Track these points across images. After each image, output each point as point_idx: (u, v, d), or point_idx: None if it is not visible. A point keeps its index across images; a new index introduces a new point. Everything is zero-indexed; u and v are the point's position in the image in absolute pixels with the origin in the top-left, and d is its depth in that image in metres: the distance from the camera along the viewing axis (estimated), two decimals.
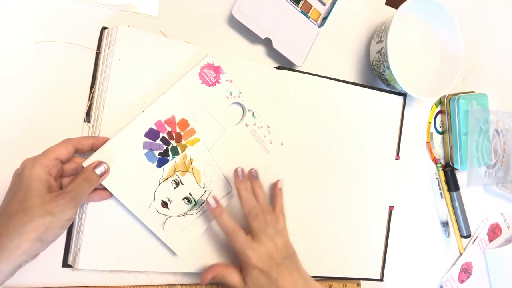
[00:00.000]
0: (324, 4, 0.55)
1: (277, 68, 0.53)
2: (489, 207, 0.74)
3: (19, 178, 0.36)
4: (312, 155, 0.55)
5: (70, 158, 0.40)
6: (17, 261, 0.34)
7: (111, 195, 0.42)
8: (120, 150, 0.42)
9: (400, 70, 0.54)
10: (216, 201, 0.45)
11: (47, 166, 0.36)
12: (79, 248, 0.42)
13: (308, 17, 0.54)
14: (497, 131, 0.69)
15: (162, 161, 0.45)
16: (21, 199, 0.35)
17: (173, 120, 0.45)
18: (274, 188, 0.51)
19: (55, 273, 0.43)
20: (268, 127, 0.51)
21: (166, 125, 0.45)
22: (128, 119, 0.44)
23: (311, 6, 0.54)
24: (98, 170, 0.40)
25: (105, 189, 0.41)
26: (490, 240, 0.74)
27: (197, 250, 0.48)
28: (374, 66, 0.58)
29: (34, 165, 0.36)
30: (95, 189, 0.41)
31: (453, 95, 0.66)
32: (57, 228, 0.35)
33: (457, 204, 0.67)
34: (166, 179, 0.45)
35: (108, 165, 0.41)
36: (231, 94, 0.48)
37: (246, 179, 0.47)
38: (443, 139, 0.68)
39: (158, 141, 0.44)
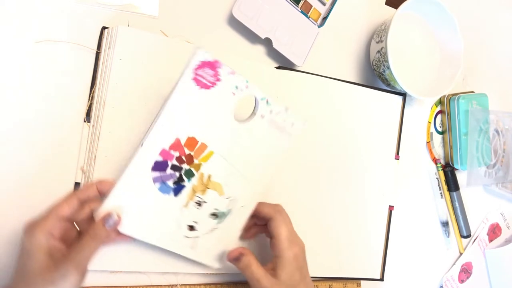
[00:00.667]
0: (324, 4, 0.55)
1: (277, 68, 0.53)
2: (489, 207, 0.74)
3: (21, 244, 0.35)
4: (312, 155, 0.55)
5: (75, 213, 0.38)
6: None
7: (124, 236, 0.40)
8: (130, 192, 0.39)
9: (400, 70, 0.54)
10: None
11: (49, 229, 0.35)
12: None
13: (308, 17, 0.54)
14: (497, 131, 0.69)
15: (178, 189, 0.41)
16: (22, 268, 0.34)
17: (178, 144, 0.40)
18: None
19: None
20: (287, 108, 0.45)
21: (172, 151, 0.40)
22: (129, 119, 0.43)
23: (311, 6, 0.54)
24: (108, 224, 0.37)
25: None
26: (490, 240, 0.74)
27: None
28: (374, 66, 0.58)
29: (34, 231, 0.35)
30: None
31: (453, 95, 0.66)
32: None
33: (457, 204, 0.67)
34: (187, 204, 0.42)
35: (118, 214, 0.38)
36: (237, 88, 0.41)
37: None
38: (443, 139, 0.68)
39: (169, 170, 0.40)
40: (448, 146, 0.67)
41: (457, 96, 0.65)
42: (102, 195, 0.39)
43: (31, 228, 0.35)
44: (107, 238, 0.38)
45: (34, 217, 0.36)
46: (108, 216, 0.38)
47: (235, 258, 0.43)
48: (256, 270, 0.42)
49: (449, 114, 0.66)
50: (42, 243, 0.34)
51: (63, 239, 0.37)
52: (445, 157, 0.68)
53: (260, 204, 0.46)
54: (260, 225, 0.47)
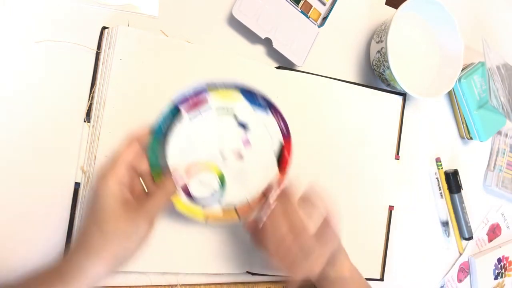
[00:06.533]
0: (324, 4, 0.55)
1: (277, 68, 0.53)
2: (489, 207, 0.74)
3: (94, 194, 0.36)
4: (312, 155, 0.55)
5: (140, 156, 0.39)
6: (97, 277, 0.34)
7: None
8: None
9: (400, 70, 0.54)
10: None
11: (120, 178, 0.36)
12: None
13: (308, 17, 0.54)
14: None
15: None
16: (97, 218, 0.35)
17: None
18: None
19: None
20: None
21: None
22: (129, 119, 0.43)
23: (311, 6, 0.54)
24: (178, 184, 0.39)
25: None
26: (490, 240, 0.74)
27: (197, 250, 0.48)
28: (374, 66, 0.58)
29: (107, 181, 0.35)
30: None
31: None
32: (134, 246, 0.35)
33: (458, 206, 0.67)
34: None
35: (185, 174, 0.40)
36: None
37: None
38: (454, 114, 0.70)
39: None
40: (461, 122, 0.69)
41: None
42: None
43: (104, 176, 0.36)
44: (173, 193, 0.39)
45: (105, 166, 0.37)
46: (177, 174, 0.39)
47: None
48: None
49: (454, 94, 0.67)
50: (115, 191, 0.35)
51: (130, 187, 0.37)
52: (459, 131, 0.70)
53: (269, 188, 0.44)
54: None
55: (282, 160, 0.45)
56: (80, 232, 0.36)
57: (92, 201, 0.36)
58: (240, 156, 0.43)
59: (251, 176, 0.44)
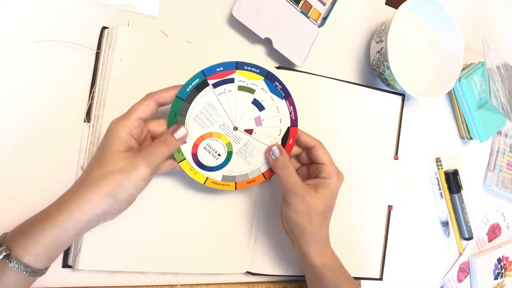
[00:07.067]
0: (324, 4, 0.55)
1: (277, 68, 0.53)
2: (489, 207, 0.74)
3: (105, 135, 0.39)
4: None
5: (154, 114, 0.40)
6: (92, 213, 0.35)
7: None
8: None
9: (400, 70, 0.54)
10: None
11: (129, 127, 0.38)
12: (80, 249, 0.42)
13: (308, 17, 0.54)
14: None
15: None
16: (100, 154, 0.37)
17: None
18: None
19: (55, 274, 0.42)
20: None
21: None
22: None
23: (311, 6, 0.54)
24: (177, 135, 0.40)
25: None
26: (490, 240, 0.74)
27: (197, 250, 0.48)
28: (374, 66, 0.58)
29: (116, 126, 0.38)
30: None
31: None
32: (130, 186, 0.36)
33: (458, 206, 0.67)
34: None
35: (186, 130, 0.41)
36: None
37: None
38: (454, 114, 0.70)
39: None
40: (461, 122, 0.69)
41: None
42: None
43: (114, 123, 0.38)
44: (174, 147, 0.40)
45: (119, 116, 0.39)
46: (177, 128, 0.40)
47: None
48: (298, 180, 0.44)
49: (454, 94, 0.67)
50: (122, 136, 0.37)
51: (138, 141, 0.40)
52: (459, 131, 0.70)
53: (302, 131, 0.47)
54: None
55: (285, 145, 0.47)
56: (85, 169, 0.38)
57: (102, 140, 0.39)
58: (250, 132, 0.45)
59: (256, 153, 0.45)
